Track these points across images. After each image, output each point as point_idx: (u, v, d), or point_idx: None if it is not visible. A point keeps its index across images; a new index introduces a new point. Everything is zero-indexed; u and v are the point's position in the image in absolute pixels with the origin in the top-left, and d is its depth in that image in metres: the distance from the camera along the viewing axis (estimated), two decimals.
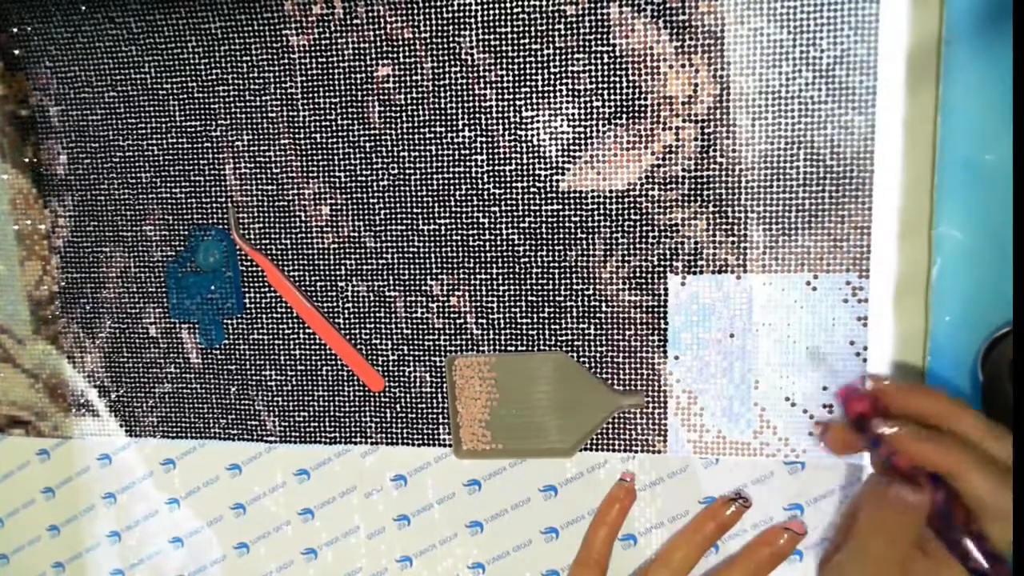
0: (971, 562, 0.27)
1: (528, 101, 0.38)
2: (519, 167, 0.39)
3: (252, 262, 0.43)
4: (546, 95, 0.38)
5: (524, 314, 0.40)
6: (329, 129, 0.41)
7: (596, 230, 0.39)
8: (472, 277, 0.40)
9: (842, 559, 0.33)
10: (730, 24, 0.36)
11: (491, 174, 0.39)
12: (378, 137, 0.40)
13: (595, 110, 0.38)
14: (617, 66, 0.37)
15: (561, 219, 0.39)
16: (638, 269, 0.39)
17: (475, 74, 0.39)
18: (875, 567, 0.31)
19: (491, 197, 0.39)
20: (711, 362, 0.38)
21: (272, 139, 0.41)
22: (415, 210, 0.40)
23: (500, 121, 0.39)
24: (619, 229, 0.38)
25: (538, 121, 0.38)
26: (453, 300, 0.41)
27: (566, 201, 0.39)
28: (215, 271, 0.43)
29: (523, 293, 0.40)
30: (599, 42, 0.37)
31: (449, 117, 0.39)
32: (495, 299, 0.40)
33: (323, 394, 0.43)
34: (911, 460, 0.30)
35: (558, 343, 0.40)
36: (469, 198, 0.40)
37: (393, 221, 0.41)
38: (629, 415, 0.40)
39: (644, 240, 0.38)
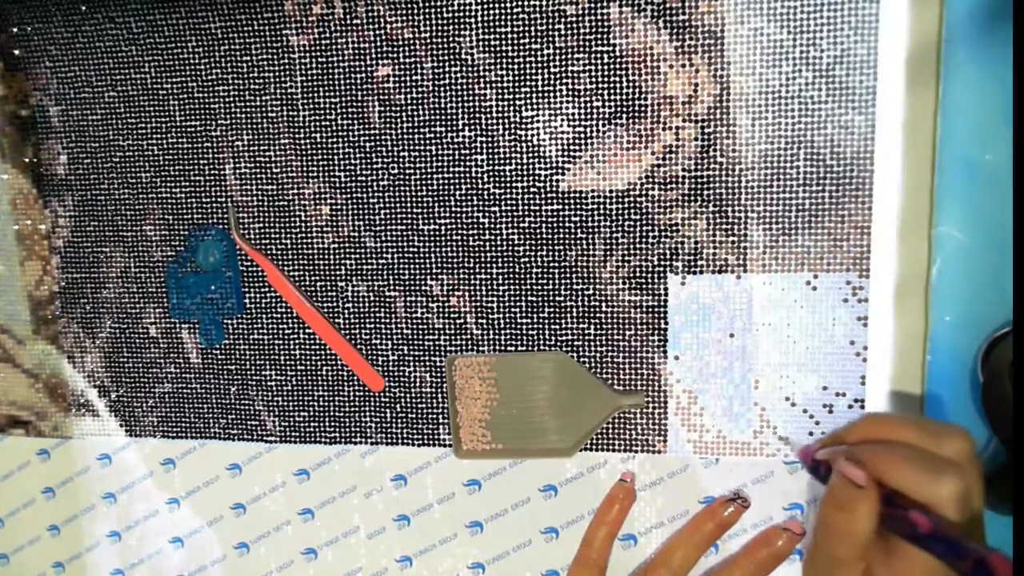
0: (918, 529, 0.28)
1: (528, 101, 0.38)
2: (519, 167, 0.39)
3: (252, 262, 0.43)
4: (546, 95, 0.38)
5: (524, 314, 0.40)
6: (329, 129, 0.41)
7: (596, 230, 0.39)
8: (472, 277, 0.40)
9: (805, 562, 0.34)
10: (730, 24, 0.36)
11: (491, 174, 0.39)
12: (378, 137, 0.40)
13: (595, 110, 0.38)
14: (617, 66, 0.37)
15: (561, 219, 0.39)
16: (638, 269, 0.39)
17: (475, 74, 0.39)
18: (829, 567, 0.31)
19: (491, 197, 0.39)
20: (711, 362, 0.38)
21: (272, 139, 0.41)
22: (415, 210, 0.40)
23: (500, 121, 0.39)
24: (619, 229, 0.38)
25: (538, 121, 0.38)
26: (453, 300, 0.41)
27: (566, 201, 0.39)
28: (215, 271, 0.43)
29: (523, 293, 0.40)
30: (599, 42, 0.37)
31: (449, 117, 0.39)
32: (495, 299, 0.40)
33: (323, 394, 0.43)
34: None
35: (558, 343, 0.40)
36: (469, 198, 0.40)
37: (393, 221, 0.41)
38: (629, 415, 0.40)
39: (644, 240, 0.38)
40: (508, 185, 0.39)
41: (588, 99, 0.38)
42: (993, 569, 0.26)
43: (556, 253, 0.39)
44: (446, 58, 0.39)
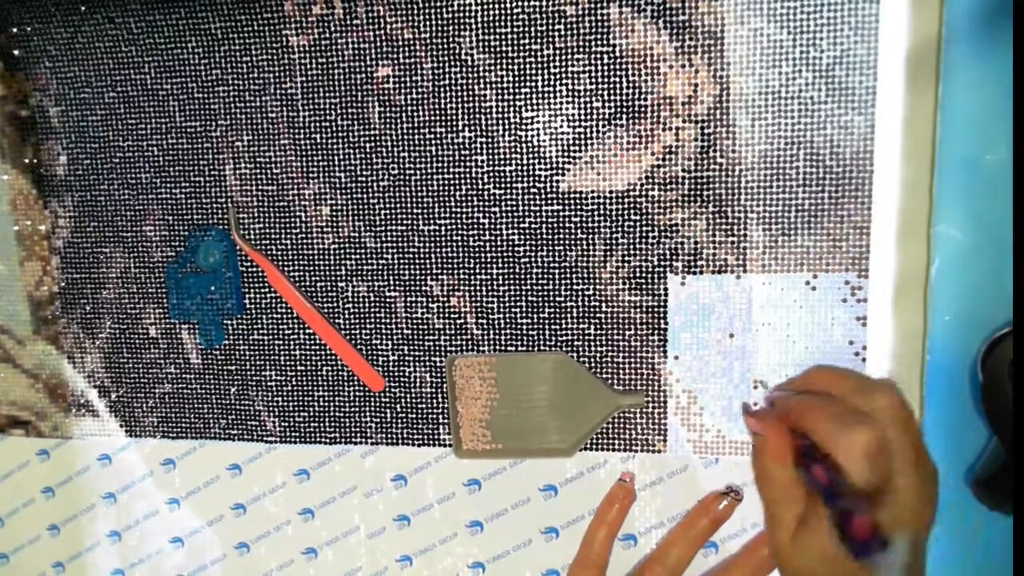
0: (819, 481, 0.29)
1: (528, 101, 0.38)
2: (519, 167, 0.39)
3: (252, 262, 0.43)
4: (546, 95, 0.38)
5: (524, 314, 0.40)
6: (329, 129, 0.41)
7: (596, 230, 0.39)
8: (472, 277, 0.40)
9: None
10: (730, 24, 0.36)
11: (491, 174, 0.39)
12: (378, 137, 0.40)
13: (595, 110, 0.38)
14: (617, 66, 0.37)
15: (561, 219, 0.39)
16: (638, 269, 0.39)
17: (475, 74, 0.39)
18: (767, 508, 0.33)
19: (491, 197, 0.39)
20: (711, 362, 0.38)
21: (272, 139, 0.41)
22: (415, 210, 0.40)
23: (500, 121, 0.39)
24: (619, 229, 0.38)
25: (538, 121, 0.38)
26: (453, 300, 0.41)
27: (566, 201, 0.39)
28: (215, 271, 0.43)
29: (523, 293, 0.40)
30: (599, 42, 0.37)
31: (449, 117, 0.39)
32: (495, 299, 0.40)
33: (323, 394, 0.43)
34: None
35: (558, 343, 0.40)
36: (469, 198, 0.40)
37: (393, 221, 0.41)
38: (629, 415, 0.40)
39: (644, 240, 0.38)
40: (508, 185, 0.39)
41: (588, 99, 0.38)
42: (851, 525, 0.27)
43: (556, 253, 0.39)
44: (446, 58, 0.39)
